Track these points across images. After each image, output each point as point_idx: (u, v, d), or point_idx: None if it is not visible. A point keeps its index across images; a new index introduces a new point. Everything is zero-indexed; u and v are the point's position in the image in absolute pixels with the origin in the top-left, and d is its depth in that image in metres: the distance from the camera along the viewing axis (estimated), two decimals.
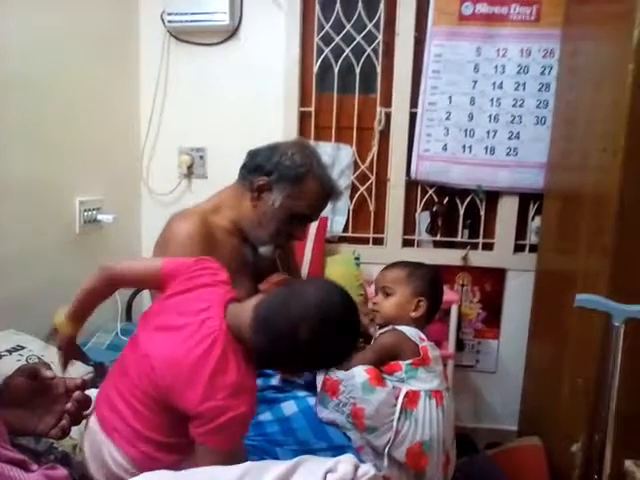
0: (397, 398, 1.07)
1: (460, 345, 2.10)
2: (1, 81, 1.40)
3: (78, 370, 1.29)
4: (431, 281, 1.22)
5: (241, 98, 2.08)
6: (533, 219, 2.06)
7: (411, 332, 1.15)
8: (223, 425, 0.81)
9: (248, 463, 1.04)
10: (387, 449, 1.04)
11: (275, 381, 1.21)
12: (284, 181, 1.21)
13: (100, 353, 1.69)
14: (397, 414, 1.05)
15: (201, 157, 2.13)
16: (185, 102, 2.11)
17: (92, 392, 1.12)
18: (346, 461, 0.85)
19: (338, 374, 1.13)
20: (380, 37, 2.00)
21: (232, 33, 2.06)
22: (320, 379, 1.16)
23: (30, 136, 1.52)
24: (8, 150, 1.45)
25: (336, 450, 1.08)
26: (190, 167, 2.12)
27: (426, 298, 1.19)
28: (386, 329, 1.18)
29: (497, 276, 2.10)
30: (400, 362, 1.11)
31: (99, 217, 1.81)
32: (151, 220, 2.12)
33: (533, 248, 2.05)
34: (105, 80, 1.88)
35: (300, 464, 0.89)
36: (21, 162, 1.49)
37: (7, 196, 1.44)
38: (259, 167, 1.25)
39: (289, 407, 1.17)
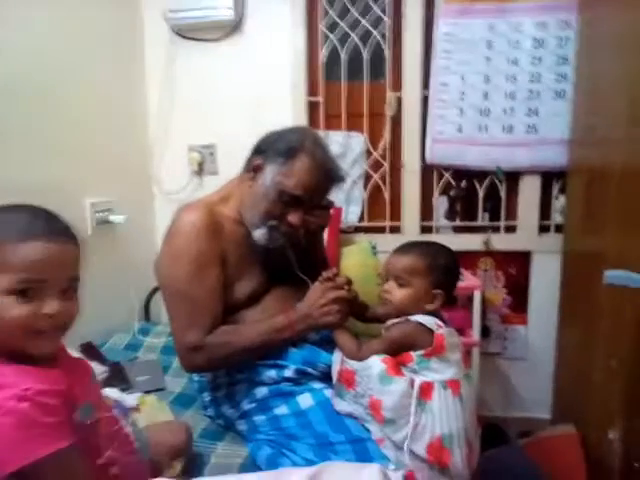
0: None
1: (485, 332, 2.03)
2: (6, 83, 1.40)
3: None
4: (449, 269, 1.13)
5: (249, 92, 2.05)
6: (557, 198, 1.97)
7: (427, 320, 1.07)
8: None
9: (262, 473, 0.99)
10: (406, 443, 0.98)
11: (289, 372, 1.17)
12: (275, 157, 1.18)
13: (118, 353, 1.69)
14: (414, 407, 0.99)
15: (211, 154, 2.11)
16: (192, 99, 2.09)
17: (106, 392, 1.10)
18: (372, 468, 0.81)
19: (353, 364, 1.07)
20: (387, 19, 1.94)
21: (236, 27, 2.03)
22: (336, 370, 1.11)
23: (38, 139, 1.52)
24: (17, 153, 1.45)
25: (355, 443, 1.03)
26: (201, 164, 2.11)
27: (443, 289, 1.10)
28: (398, 320, 1.10)
29: (522, 259, 2.02)
30: (411, 353, 1.04)
31: (111, 218, 1.80)
32: (164, 219, 2.06)
33: (559, 228, 1.96)
34: (111, 80, 1.87)
35: (322, 472, 0.85)
36: (30, 165, 1.49)
37: (17, 199, 1.43)
38: (256, 149, 1.24)
39: (305, 400, 1.13)
